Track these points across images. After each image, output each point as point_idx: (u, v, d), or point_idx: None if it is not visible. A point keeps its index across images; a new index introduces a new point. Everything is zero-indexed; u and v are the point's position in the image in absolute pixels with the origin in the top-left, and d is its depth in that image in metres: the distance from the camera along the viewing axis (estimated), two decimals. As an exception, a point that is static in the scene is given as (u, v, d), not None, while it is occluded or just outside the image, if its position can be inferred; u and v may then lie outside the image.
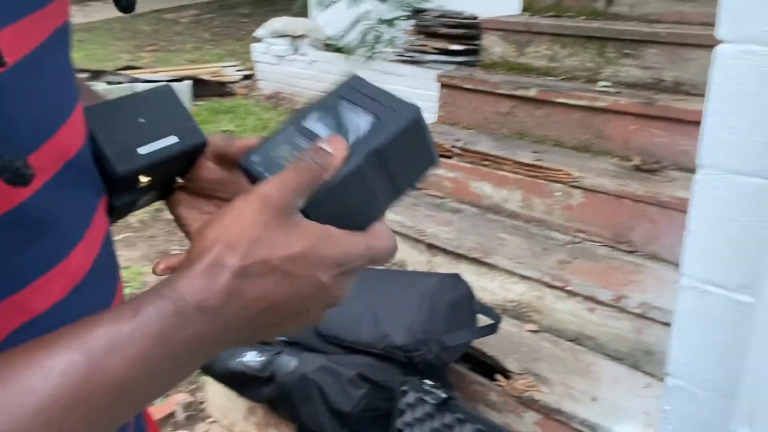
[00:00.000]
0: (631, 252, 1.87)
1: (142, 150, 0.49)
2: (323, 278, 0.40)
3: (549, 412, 1.54)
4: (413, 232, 2.03)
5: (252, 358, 1.58)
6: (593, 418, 1.48)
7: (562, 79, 2.44)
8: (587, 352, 1.71)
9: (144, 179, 0.50)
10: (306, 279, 0.39)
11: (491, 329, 1.46)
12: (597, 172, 1.97)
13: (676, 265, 1.78)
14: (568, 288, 1.74)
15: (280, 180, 0.41)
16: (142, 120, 0.50)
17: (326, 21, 5.42)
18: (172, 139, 0.51)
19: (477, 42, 4.30)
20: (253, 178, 0.46)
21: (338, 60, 5.16)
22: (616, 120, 2.12)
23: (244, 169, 0.46)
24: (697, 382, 1.18)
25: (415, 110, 0.45)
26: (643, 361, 1.63)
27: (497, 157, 2.15)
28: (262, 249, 0.38)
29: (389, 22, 5.01)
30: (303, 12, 5.72)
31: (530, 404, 1.57)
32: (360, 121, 0.45)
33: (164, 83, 0.55)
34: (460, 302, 1.49)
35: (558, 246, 1.93)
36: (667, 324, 1.59)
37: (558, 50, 2.48)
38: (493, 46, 2.67)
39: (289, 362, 1.49)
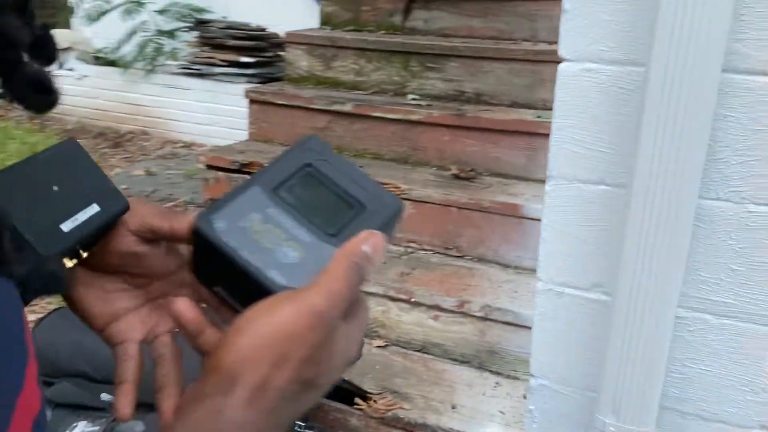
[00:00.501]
0: (460, 257, 1.96)
1: (66, 226, 0.40)
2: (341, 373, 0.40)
3: (414, 429, 1.54)
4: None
5: (83, 429, 1.36)
6: (456, 426, 1.51)
7: (372, 93, 2.49)
8: (436, 360, 1.75)
9: (69, 262, 0.39)
10: (334, 379, 0.39)
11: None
12: (421, 183, 2.03)
13: (502, 265, 1.91)
14: (413, 299, 1.77)
15: (333, 294, 0.37)
16: (56, 188, 0.40)
17: (95, 32, 4.96)
18: (93, 208, 0.42)
19: (269, 54, 4.25)
20: (219, 252, 0.38)
21: (113, 74, 4.75)
22: (431, 132, 2.21)
23: (203, 236, 0.39)
24: (560, 379, 1.26)
25: (401, 206, 0.44)
26: (489, 361, 1.71)
27: (322, 174, 2.11)
28: (311, 369, 0.36)
29: (170, 34, 4.73)
30: (65, 23, 5.17)
31: (394, 423, 1.56)
32: (345, 207, 0.42)
33: (68, 138, 0.42)
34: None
35: (395, 258, 1.95)
36: (507, 323, 1.68)
37: (364, 64, 2.52)
38: (299, 60, 2.63)
39: (134, 427, 1.30)
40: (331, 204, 0.42)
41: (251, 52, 4.21)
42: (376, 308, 1.84)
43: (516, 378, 1.67)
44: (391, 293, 1.80)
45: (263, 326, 0.35)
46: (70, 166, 0.42)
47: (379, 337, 1.82)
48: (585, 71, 1.08)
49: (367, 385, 1.64)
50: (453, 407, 1.57)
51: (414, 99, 2.40)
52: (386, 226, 0.42)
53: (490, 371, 1.70)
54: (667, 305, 1.09)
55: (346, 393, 1.64)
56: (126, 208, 0.44)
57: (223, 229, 0.38)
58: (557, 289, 1.22)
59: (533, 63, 2.25)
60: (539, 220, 1.88)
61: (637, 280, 1.07)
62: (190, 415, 0.34)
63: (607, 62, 1.05)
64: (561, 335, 1.24)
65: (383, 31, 2.71)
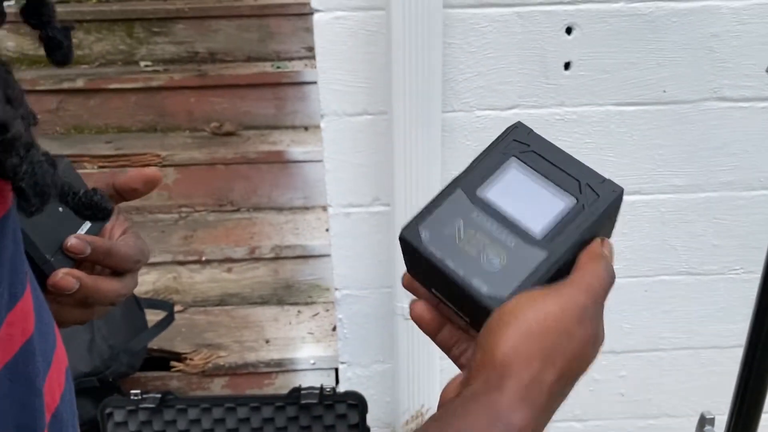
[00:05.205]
0: (236, 210, 2.05)
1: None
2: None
3: (235, 370, 1.65)
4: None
5: None
6: (275, 356, 1.66)
7: (99, 65, 2.37)
8: (238, 308, 1.86)
9: None
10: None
11: (170, 318, 1.47)
12: (182, 147, 2.06)
13: (277, 209, 2.06)
14: (204, 258, 1.83)
15: (593, 289, 0.38)
16: (61, 209, 0.43)
17: None
18: (86, 225, 0.46)
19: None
20: (427, 261, 0.41)
21: None
22: (175, 96, 2.21)
23: (411, 246, 0.42)
24: (360, 285, 1.47)
25: (620, 192, 0.41)
26: (287, 295, 1.87)
27: (71, 156, 2.01)
28: (579, 365, 0.37)
29: None
30: None
31: (216, 372, 1.65)
32: (554, 202, 0.41)
33: (60, 157, 0.45)
34: (129, 305, 1.44)
35: (172, 225, 1.97)
36: (297, 257, 1.85)
37: (83, 37, 2.38)
38: (4, 41, 2.38)
39: None
40: (538, 202, 0.41)
41: None
42: (165, 277, 1.87)
43: (314, 302, 1.86)
44: (180, 258, 1.84)
45: (531, 319, 0.35)
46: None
47: (176, 303, 1.86)
48: (336, 19, 1.25)
49: (179, 348, 1.69)
50: (267, 342, 1.71)
51: (147, 66, 2.36)
52: (604, 218, 0.40)
53: (290, 303, 1.87)
54: (433, 202, 1.35)
55: (159, 360, 1.68)
56: (109, 217, 0.46)
57: (429, 239, 0.40)
58: (345, 211, 1.41)
59: (259, 18, 2.36)
60: (301, 162, 2.07)
61: (407, 186, 1.31)
62: (463, 413, 0.34)
63: (353, 9, 1.24)
64: (355, 249, 1.45)
65: (96, 0, 2.56)
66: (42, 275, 0.42)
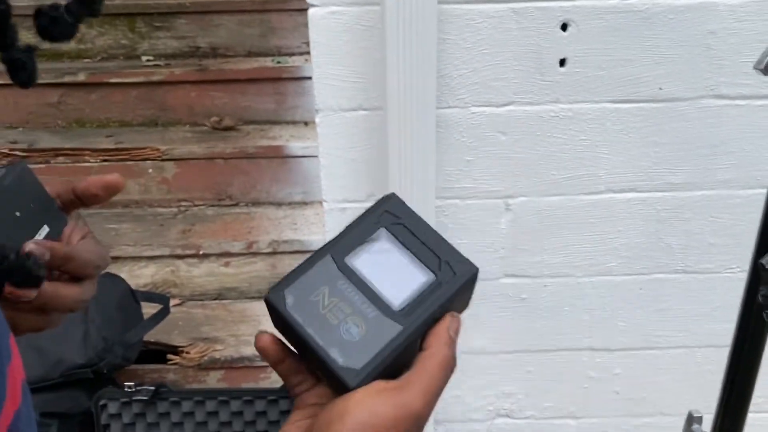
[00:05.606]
0: (235, 205, 2.06)
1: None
2: None
3: (231, 364, 1.66)
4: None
5: None
6: (271, 350, 1.66)
7: (101, 59, 2.38)
8: (235, 302, 1.87)
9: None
10: None
11: (165, 312, 1.47)
12: (181, 141, 2.06)
13: (276, 204, 2.06)
14: (202, 252, 1.84)
15: (430, 395, 0.40)
16: (18, 213, 0.43)
17: None
18: (45, 230, 0.45)
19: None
20: (289, 326, 0.42)
21: None
22: (176, 90, 2.22)
23: (275, 310, 0.43)
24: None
25: (474, 272, 0.44)
26: (284, 290, 1.88)
27: (72, 149, 2.02)
28: None
29: None
30: None
31: (212, 366, 1.66)
32: (415, 276, 0.43)
33: (19, 161, 0.45)
34: (125, 298, 1.45)
35: (170, 219, 1.98)
36: (294, 252, 1.86)
37: (86, 31, 2.39)
38: (7, 33, 2.39)
39: None
40: (400, 275, 0.43)
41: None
42: (163, 270, 1.88)
43: (310, 298, 1.86)
44: (178, 251, 1.85)
45: (364, 416, 0.38)
46: (25, 190, 0.44)
47: (173, 296, 1.87)
48: (331, 14, 1.25)
49: (176, 341, 1.70)
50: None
51: (149, 60, 2.37)
52: (459, 294, 0.43)
53: (287, 298, 1.87)
54: (427, 199, 1.35)
55: (156, 353, 1.68)
56: (66, 223, 0.47)
57: (293, 304, 0.41)
58: (340, 206, 1.41)
59: (261, 13, 2.36)
60: (301, 157, 2.07)
61: (402, 183, 1.31)
62: None
63: (348, 4, 1.23)
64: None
65: (97, -6, 2.57)
66: None
